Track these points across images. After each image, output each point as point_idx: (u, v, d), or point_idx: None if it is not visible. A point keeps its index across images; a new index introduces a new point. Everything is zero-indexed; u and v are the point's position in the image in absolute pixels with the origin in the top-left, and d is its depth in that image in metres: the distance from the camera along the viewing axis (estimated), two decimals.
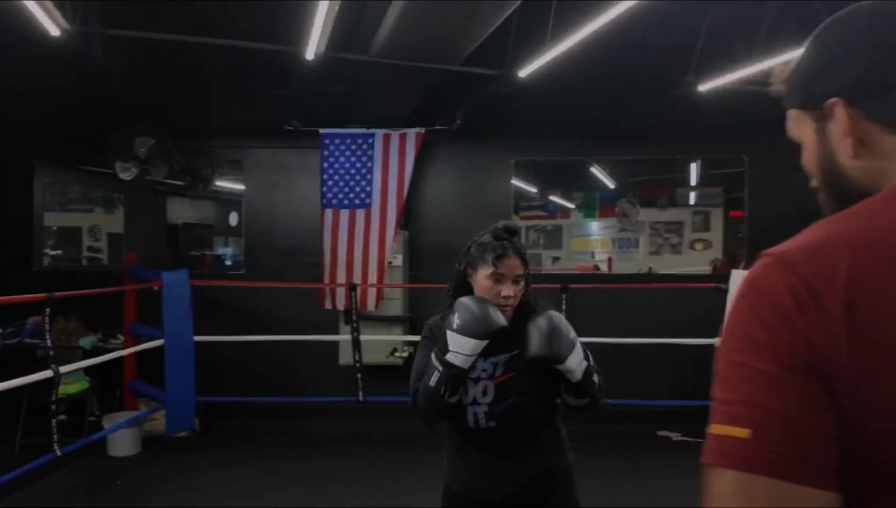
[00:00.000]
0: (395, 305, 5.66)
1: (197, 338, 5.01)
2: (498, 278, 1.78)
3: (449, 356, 1.70)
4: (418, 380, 1.82)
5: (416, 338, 5.49)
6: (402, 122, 5.55)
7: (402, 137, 5.51)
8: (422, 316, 5.78)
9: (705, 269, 7.39)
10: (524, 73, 4.27)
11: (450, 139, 5.80)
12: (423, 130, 5.50)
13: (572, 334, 1.76)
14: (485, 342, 1.70)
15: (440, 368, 1.71)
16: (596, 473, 2.98)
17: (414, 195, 5.84)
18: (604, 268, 8.45)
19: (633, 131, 5.80)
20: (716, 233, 8.27)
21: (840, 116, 0.70)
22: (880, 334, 0.57)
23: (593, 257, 8.90)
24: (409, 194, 5.63)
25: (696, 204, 8.41)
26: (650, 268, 7.64)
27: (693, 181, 8.17)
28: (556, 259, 9.34)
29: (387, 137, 5.53)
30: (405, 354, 5.51)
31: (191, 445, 5.24)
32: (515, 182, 6.96)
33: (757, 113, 5.39)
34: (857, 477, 0.57)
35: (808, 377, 0.58)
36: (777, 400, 0.58)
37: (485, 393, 1.84)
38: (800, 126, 0.77)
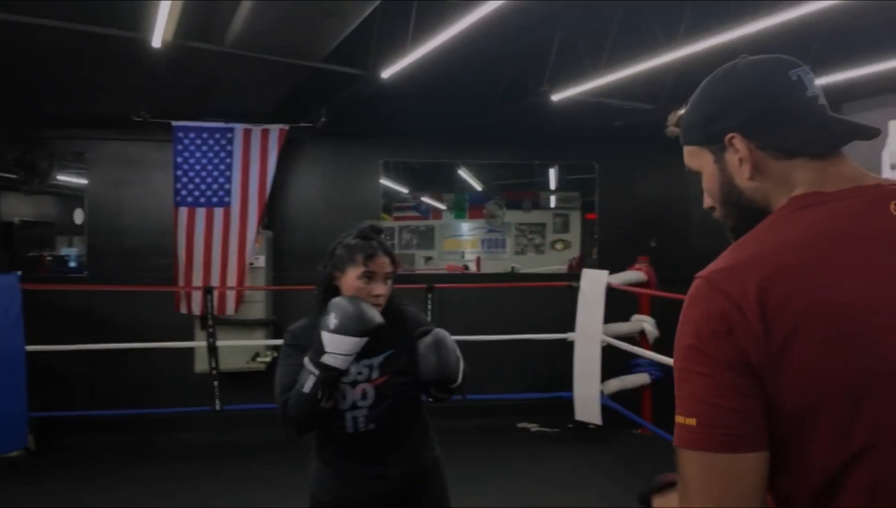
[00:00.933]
0: (257, 308, 5.46)
1: (30, 348, 4.53)
2: (369, 276, 1.78)
3: (326, 359, 1.66)
4: (286, 390, 1.76)
5: (280, 342, 5.42)
6: (265, 117, 5.37)
7: (265, 134, 5.33)
8: (287, 319, 5.61)
9: (563, 268, 7.84)
10: (387, 74, 4.29)
11: (316, 137, 5.70)
12: (286, 127, 5.36)
13: (457, 349, 1.80)
14: (364, 341, 1.68)
15: (316, 372, 1.67)
16: (461, 464, 3.06)
17: (278, 194, 5.67)
18: (473, 268, 8.70)
19: (494, 136, 6.01)
20: (574, 234, 8.80)
21: (739, 147, 0.88)
22: (784, 329, 0.74)
23: (463, 257, 9.14)
24: (272, 193, 5.45)
25: (556, 207, 8.90)
26: (513, 267, 7.96)
27: (553, 186, 8.63)
28: (428, 259, 9.47)
29: (248, 133, 5.32)
30: (268, 359, 5.33)
31: (24, 466, 4.73)
32: (385, 182, 6.98)
33: (606, 123, 5.82)
34: (781, 432, 0.75)
35: (743, 373, 0.75)
36: (713, 395, 0.76)
37: (364, 397, 1.82)
38: (699, 159, 0.95)
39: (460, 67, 4.63)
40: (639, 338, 5.19)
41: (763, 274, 0.77)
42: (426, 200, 9.36)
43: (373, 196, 6.04)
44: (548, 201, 8.95)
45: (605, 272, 5.02)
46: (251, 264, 5.38)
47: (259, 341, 5.39)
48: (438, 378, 1.75)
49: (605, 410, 4.96)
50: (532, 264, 8.51)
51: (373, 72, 4.33)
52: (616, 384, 5.19)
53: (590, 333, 4.95)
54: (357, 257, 1.78)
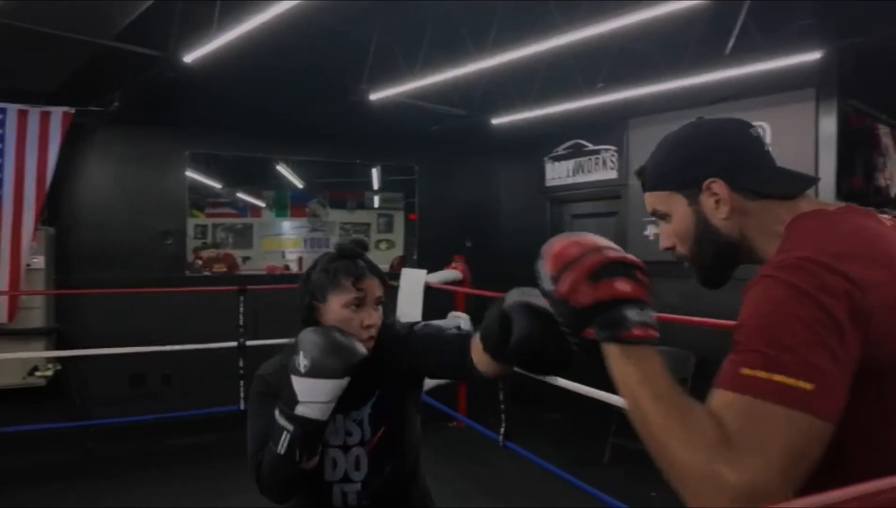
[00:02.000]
0: (35, 315, 4.77)
1: None
2: (358, 303, 1.45)
3: (300, 410, 1.33)
4: (259, 450, 1.42)
5: (66, 353, 4.85)
6: (46, 98, 4.71)
7: (45, 117, 4.67)
8: (72, 327, 5.00)
9: (386, 268, 7.89)
10: (191, 58, 3.97)
11: (112, 124, 5.12)
12: (72, 111, 4.74)
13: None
14: (345, 382, 1.35)
15: (289, 427, 1.34)
16: None
17: (63, 186, 5.01)
18: (294, 268, 8.41)
19: (315, 133, 5.87)
20: (398, 234, 8.89)
21: (718, 190, 0.99)
22: (879, 303, 0.82)
23: (284, 256, 8.80)
24: (56, 185, 4.80)
25: (380, 207, 8.92)
26: None
27: (376, 186, 8.65)
28: (246, 259, 8.96)
29: (23, 115, 4.63)
30: (49, 373, 4.68)
31: None
32: (195, 176, 6.48)
33: (424, 127, 5.95)
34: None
35: (855, 347, 0.80)
36: (836, 367, 0.78)
37: (357, 467, 1.48)
38: (669, 203, 1.04)
39: (278, 57, 4.44)
40: None
41: (850, 261, 0.83)
42: (243, 196, 8.88)
43: (178, 190, 5.59)
44: (372, 200, 8.94)
45: (424, 271, 5.12)
46: (28, 265, 4.69)
47: (38, 352, 4.71)
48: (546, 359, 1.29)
49: (426, 407, 5.05)
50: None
51: (174, 55, 3.99)
52: (432, 380, 5.30)
53: None
54: (342, 281, 1.44)
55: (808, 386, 0.77)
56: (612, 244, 0.96)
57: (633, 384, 0.87)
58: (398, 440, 1.52)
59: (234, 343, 4.76)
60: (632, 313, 0.89)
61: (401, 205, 8.77)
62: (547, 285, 0.95)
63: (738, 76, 4.14)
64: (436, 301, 5.25)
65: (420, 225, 6.45)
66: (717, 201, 1.00)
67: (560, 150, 6.16)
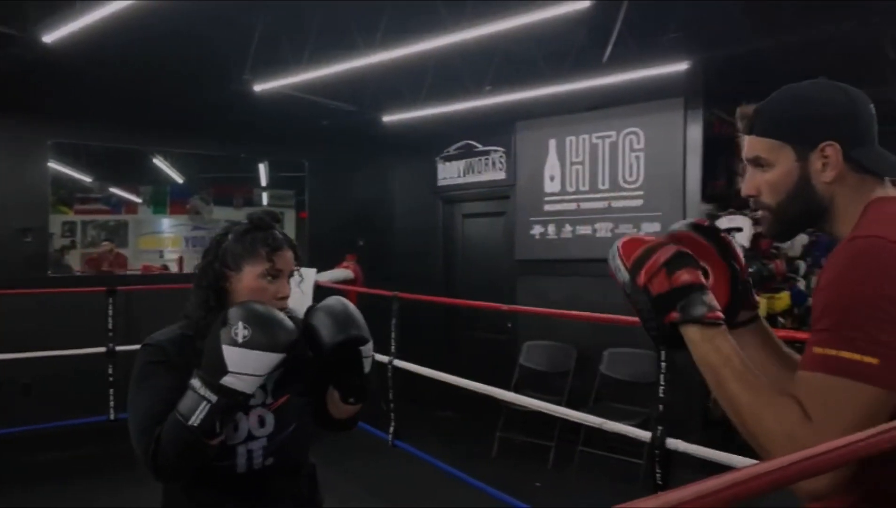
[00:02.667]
0: None
1: None
2: (274, 275, 1.42)
3: (228, 380, 1.26)
4: (155, 424, 1.31)
5: None
6: None
7: None
8: None
9: None
10: (51, 38, 3.64)
11: None
12: None
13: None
14: (281, 358, 1.31)
15: (212, 398, 1.26)
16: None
17: None
18: (174, 268, 7.95)
19: (196, 125, 5.57)
20: (289, 232, 8.61)
21: (831, 154, 1.01)
22: None
23: (162, 256, 8.30)
24: None
25: (270, 204, 8.63)
26: None
27: (264, 182, 8.36)
28: None
29: None
30: None
31: None
32: (61, 169, 5.95)
33: (314, 121, 5.81)
34: None
35: None
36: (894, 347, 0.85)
37: (262, 424, 1.44)
38: (777, 153, 1.04)
39: (152, 44, 4.16)
40: None
41: None
42: (117, 191, 8.27)
43: (39, 183, 5.09)
44: (261, 197, 8.63)
45: (313, 270, 5.00)
46: None
47: None
48: (348, 338, 1.39)
49: None
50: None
51: (31, 34, 3.63)
52: None
53: None
54: (260, 250, 1.41)
55: (873, 361, 0.85)
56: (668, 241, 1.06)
57: (717, 365, 0.96)
58: (299, 409, 1.51)
59: (102, 349, 4.42)
60: (705, 298, 0.98)
61: (291, 202, 8.53)
62: (625, 277, 1.04)
63: (614, 83, 4.37)
64: None
65: (311, 223, 6.29)
66: (825, 165, 1.02)
67: (451, 150, 6.24)
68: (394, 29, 3.89)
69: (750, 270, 1.18)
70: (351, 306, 1.47)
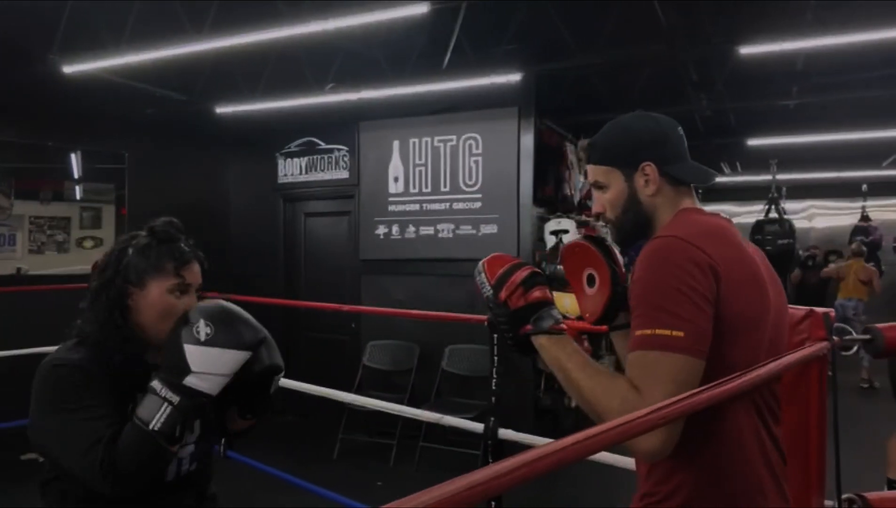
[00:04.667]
0: None
1: None
2: (183, 289, 1.35)
3: (190, 380, 1.21)
4: (98, 442, 1.19)
5: None
6: None
7: None
8: None
9: (87, 268, 6.89)
10: None
11: None
12: None
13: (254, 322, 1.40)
14: (247, 356, 1.27)
15: (174, 400, 1.20)
16: None
17: None
18: None
19: None
20: (107, 230, 7.83)
21: (650, 172, 1.24)
22: (724, 277, 1.09)
23: None
24: None
25: (84, 199, 7.76)
26: (19, 268, 6.62)
27: (77, 174, 7.51)
28: None
29: None
30: None
31: None
32: None
33: (137, 110, 5.33)
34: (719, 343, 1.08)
35: (711, 304, 1.07)
36: (699, 318, 1.06)
37: (191, 430, 1.40)
38: (610, 176, 1.27)
39: None
40: None
41: (712, 244, 1.11)
42: None
43: None
44: (73, 191, 7.72)
45: None
46: None
47: None
48: (269, 369, 1.37)
49: None
50: (53, 264, 7.20)
51: None
52: None
53: None
54: (166, 264, 1.34)
55: (680, 334, 1.04)
56: (523, 261, 1.26)
57: (564, 362, 1.15)
58: (211, 410, 1.46)
59: None
60: (553, 312, 1.19)
61: (111, 197, 7.73)
62: (489, 292, 1.23)
63: (454, 89, 4.51)
64: None
65: (132, 221, 5.76)
66: (647, 181, 1.24)
67: (292, 146, 6.04)
68: (225, 15, 3.67)
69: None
70: (262, 331, 1.40)
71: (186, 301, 1.36)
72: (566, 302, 3.64)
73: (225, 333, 1.26)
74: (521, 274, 1.20)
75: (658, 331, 1.05)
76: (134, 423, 1.22)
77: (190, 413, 1.25)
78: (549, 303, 1.20)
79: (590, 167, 1.30)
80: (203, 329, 1.25)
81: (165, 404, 1.22)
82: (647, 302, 1.08)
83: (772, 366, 1.06)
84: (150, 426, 1.21)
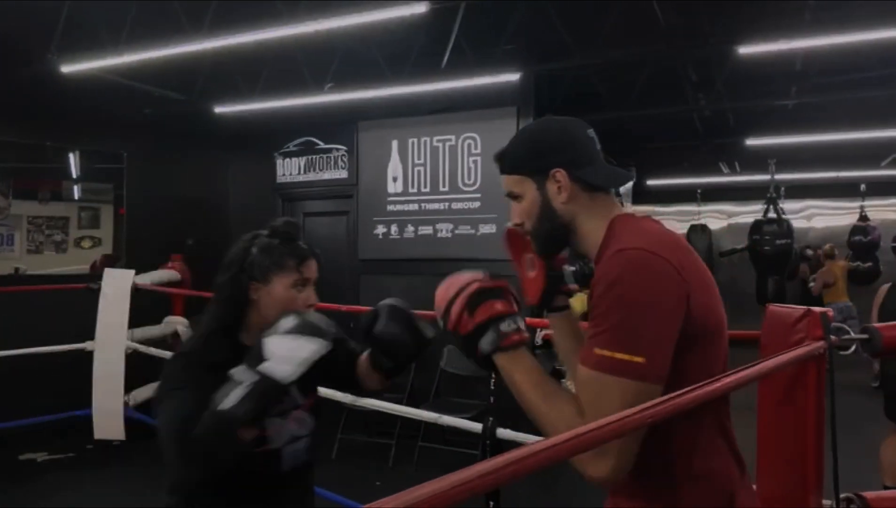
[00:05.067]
0: None
1: None
2: (303, 284, 1.49)
3: (267, 366, 1.25)
4: (188, 420, 1.26)
5: None
6: None
7: None
8: None
9: (85, 269, 6.88)
10: None
11: None
12: None
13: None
14: (325, 349, 1.31)
15: (247, 381, 1.24)
16: None
17: None
18: None
19: None
20: (106, 230, 7.83)
21: (561, 178, 1.16)
22: (694, 286, 1.04)
23: None
24: None
25: (83, 199, 7.76)
26: (17, 268, 6.63)
27: (76, 174, 7.51)
28: None
29: None
30: None
31: None
32: None
33: (135, 110, 5.33)
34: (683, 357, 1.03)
35: (678, 323, 1.02)
36: (662, 343, 1.00)
37: (301, 424, 1.51)
38: (522, 186, 1.20)
39: None
40: (171, 341, 4.90)
41: (673, 252, 1.05)
42: None
43: None
44: (72, 191, 7.72)
45: (131, 272, 4.58)
46: None
47: None
48: (407, 354, 1.53)
49: (133, 422, 4.52)
50: (51, 264, 7.21)
51: None
52: (146, 392, 4.78)
53: (112, 340, 4.43)
54: (289, 262, 1.46)
55: (640, 359, 0.98)
56: (480, 275, 1.18)
57: (517, 380, 1.10)
58: (319, 406, 1.60)
59: None
60: (504, 326, 1.12)
61: (109, 197, 7.72)
62: (440, 321, 1.18)
63: (453, 89, 4.51)
64: (150, 305, 4.74)
65: (130, 221, 5.77)
66: (559, 188, 1.18)
67: (291, 146, 6.04)
68: (224, 15, 3.67)
69: (572, 268, 1.31)
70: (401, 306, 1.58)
71: (305, 295, 1.50)
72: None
73: (304, 326, 1.33)
74: (465, 298, 1.14)
75: (617, 355, 0.99)
76: (210, 407, 1.27)
77: (261, 395, 1.26)
78: (500, 317, 1.12)
79: (503, 178, 1.25)
80: (285, 325, 1.32)
81: (237, 386, 1.26)
82: (610, 318, 1.01)
83: (765, 366, 1.06)
84: (220, 406, 1.24)
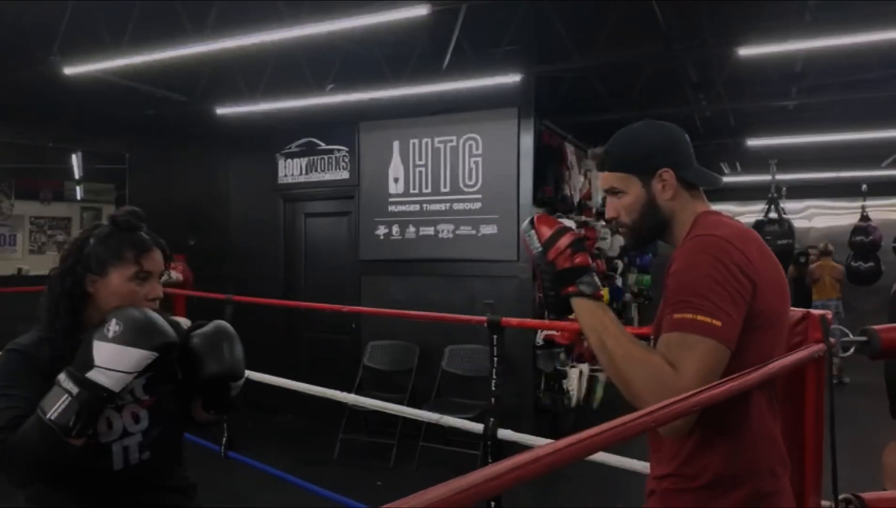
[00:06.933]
0: None
1: None
2: (144, 277, 1.40)
3: (94, 375, 1.23)
4: (10, 425, 1.24)
5: None
6: None
7: None
8: None
9: None
10: None
11: None
12: None
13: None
14: (152, 357, 1.28)
15: (73, 391, 1.22)
16: None
17: None
18: None
19: None
20: None
21: (667, 178, 1.30)
22: (757, 277, 1.17)
23: None
24: None
25: (85, 199, 7.77)
26: (20, 269, 6.64)
27: (78, 174, 7.53)
28: None
29: None
30: None
31: None
32: None
33: (137, 111, 5.34)
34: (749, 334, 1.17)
35: (747, 299, 1.15)
36: (734, 310, 1.14)
37: (136, 420, 1.43)
38: (627, 183, 1.32)
39: None
40: None
41: (749, 246, 1.19)
42: None
43: None
44: (74, 192, 7.73)
45: None
46: None
47: None
48: (224, 374, 1.43)
49: None
50: (53, 264, 7.22)
51: None
52: None
53: None
54: (127, 253, 1.38)
55: (718, 323, 1.12)
56: (568, 224, 1.33)
57: (600, 329, 1.21)
58: (170, 409, 1.51)
59: None
60: (595, 278, 1.26)
61: (112, 198, 7.74)
62: (538, 249, 1.29)
63: (454, 91, 4.52)
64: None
65: None
66: (664, 186, 1.31)
67: (293, 147, 6.05)
68: (226, 16, 3.68)
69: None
70: (232, 333, 1.50)
71: (147, 289, 1.42)
72: None
73: (132, 333, 1.28)
74: (570, 237, 1.28)
75: (699, 317, 1.13)
76: (35, 412, 1.24)
77: (89, 406, 1.24)
78: (592, 269, 1.27)
79: (604, 175, 1.36)
80: (112, 328, 1.28)
81: (66, 395, 1.23)
82: (691, 290, 1.15)
83: (777, 363, 1.09)
84: (47, 416, 1.22)
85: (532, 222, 1.33)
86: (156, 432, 1.46)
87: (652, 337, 1.30)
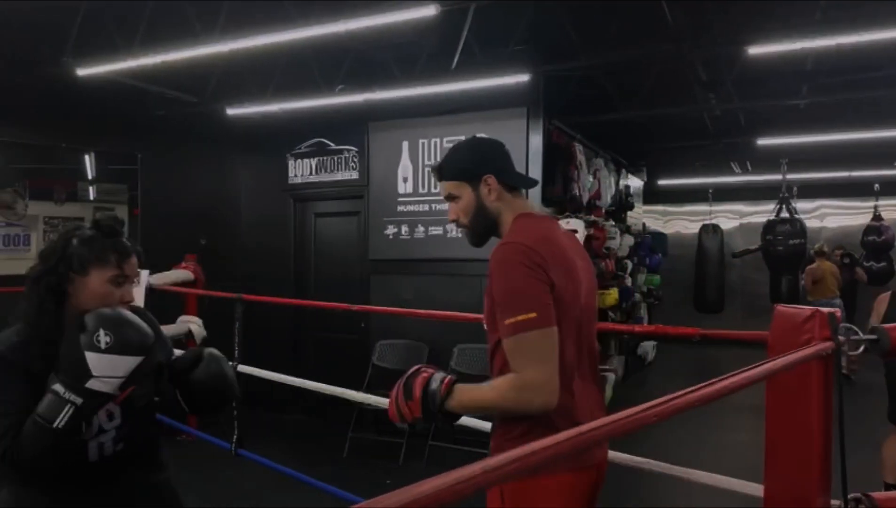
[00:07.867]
0: None
1: None
2: (121, 281, 1.48)
3: (93, 384, 1.33)
4: (2, 434, 1.35)
5: None
6: None
7: None
8: None
9: None
10: None
11: None
12: None
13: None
14: (141, 359, 1.39)
15: (77, 401, 1.33)
16: None
17: None
18: None
19: (6, 110, 4.93)
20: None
21: (491, 182, 1.55)
22: (553, 273, 1.41)
23: None
24: None
25: (98, 199, 7.85)
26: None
27: (91, 175, 7.60)
28: None
29: None
30: None
31: None
32: None
33: (149, 112, 5.39)
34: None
35: (550, 287, 1.40)
36: (543, 300, 1.38)
37: (110, 418, 1.52)
38: (460, 189, 1.58)
39: None
40: (185, 340, 4.95)
41: (543, 247, 1.42)
42: None
43: None
44: (87, 192, 7.81)
45: (146, 272, 4.62)
46: None
47: None
48: (227, 404, 1.65)
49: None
50: None
51: None
52: None
53: None
54: (110, 256, 1.46)
55: (533, 314, 1.36)
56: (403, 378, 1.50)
57: (469, 405, 1.44)
58: (143, 396, 1.56)
59: None
60: (433, 386, 1.44)
61: (124, 198, 7.81)
62: (404, 425, 1.50)
63: (463, 91, 4.53)
64: (164, 305, 4.78)
65: (145, 221, 5.83)
66: (489, 190, 1.55)
67: (303, 147, 6.09)
68: (236, 18, 3.71)
69: None
70: (228, 370, 1.65)
71: (122, 292, 1.50)
72: None
73: (122, 340, 1.37)
74: (398, 391, 1.47)
75: (520, 317, 1.36)
76: (36, 421, 1.33)
77: (91, 412, 1.38)
78: (427, 382, 1.44)
79: (442, 184, 1.60)
80: (103, 338, 1.36)
81: (69, 405, 1.34)
82: (507, 296, 1.40)
83: (782, 360, 1.08)
84: (55, 425, 1.33)
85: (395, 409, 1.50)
86: (128, 426, 1.55)
87: (484, 323, 1.51)
